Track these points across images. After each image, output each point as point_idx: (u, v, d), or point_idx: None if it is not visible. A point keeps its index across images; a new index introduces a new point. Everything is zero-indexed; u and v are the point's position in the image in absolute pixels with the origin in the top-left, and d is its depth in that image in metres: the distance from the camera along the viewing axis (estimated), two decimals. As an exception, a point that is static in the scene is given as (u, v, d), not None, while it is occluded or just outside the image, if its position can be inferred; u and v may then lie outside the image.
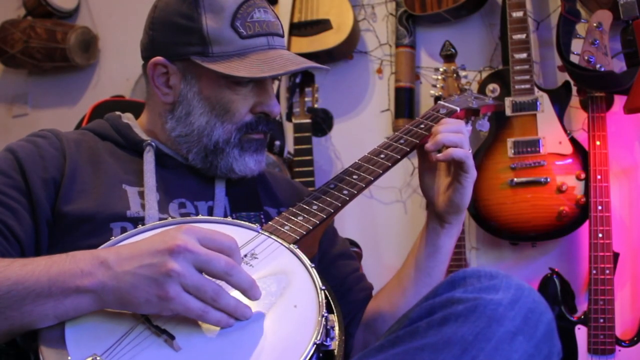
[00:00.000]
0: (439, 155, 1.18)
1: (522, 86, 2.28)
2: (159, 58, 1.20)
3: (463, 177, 1.18)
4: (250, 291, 0.90)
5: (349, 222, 2.67)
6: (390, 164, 1.20)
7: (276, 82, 2.66)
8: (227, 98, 1.19)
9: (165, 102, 1.23)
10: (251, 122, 1.21)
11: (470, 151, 1.18)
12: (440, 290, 0.93)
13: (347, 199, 1.14)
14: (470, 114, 1.38)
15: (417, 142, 1.23)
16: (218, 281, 0.89)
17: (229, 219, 1.15)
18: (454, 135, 1.18)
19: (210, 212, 1.22)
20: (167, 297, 0.85)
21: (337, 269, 1.32)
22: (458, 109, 1.32)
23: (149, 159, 1.21)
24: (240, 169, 1.23)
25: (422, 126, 1.25)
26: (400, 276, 1.26)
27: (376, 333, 1.21)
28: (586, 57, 2.12)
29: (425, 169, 1.25)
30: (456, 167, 1.18)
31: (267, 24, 1.19)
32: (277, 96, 2.68)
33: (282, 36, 1.23)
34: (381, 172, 1.19)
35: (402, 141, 1.23)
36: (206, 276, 0.88)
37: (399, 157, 1.21)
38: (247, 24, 1.16)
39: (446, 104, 1.34)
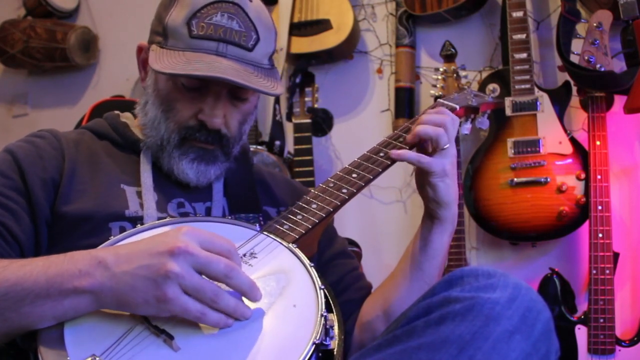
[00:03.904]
0: (407, 136, 1.17)
1: (522, 86, 2.28)
2: (144, 42, 1.24)
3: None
4: (250, 293, 0.90)
5: (349, 222, 2.67)
6: (389, 163, 1.19)
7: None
8: (174, 96, 1.18)
9: (144, 86, 1.25)
10: (192, 127, 1.18)
11: (445, 133, 1.14)
12: (438, 290, 0.93)
13: (347, 197, 1.14)
14: (470, 112, 1.38)
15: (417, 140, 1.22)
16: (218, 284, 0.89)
17: (228, 218, 1.15)
18: (429, 126, 1.16)
19: (208, 213, 1.22)
20: (165, 298, 0.85)
21: (335, 267, 1.31)
22: (457, 106, 1.31)
23: (145, 159, 1.21)
24: (179, 173, 1.20)
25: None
26: (394, 273, 1.25)
27: (371, 331, 1.20)
28: (586, 57, 2.12)
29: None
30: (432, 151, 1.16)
31: (224, 30, 1.13)
32: (277, 96, 2.68)
33: (247, 49, 1.15)
34: (380, 170, 1.18)
35: (401, 139, 1.23)
36: (206, 278, 0.88)
37: (399, 155, 1.20)
38: (201, 24, 1.13)
39: (445, 102, 1.33)
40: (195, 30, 1.13)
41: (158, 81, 1.20)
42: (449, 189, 1.16)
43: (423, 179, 1.17)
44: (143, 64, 1.25)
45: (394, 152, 1.16)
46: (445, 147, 1.14)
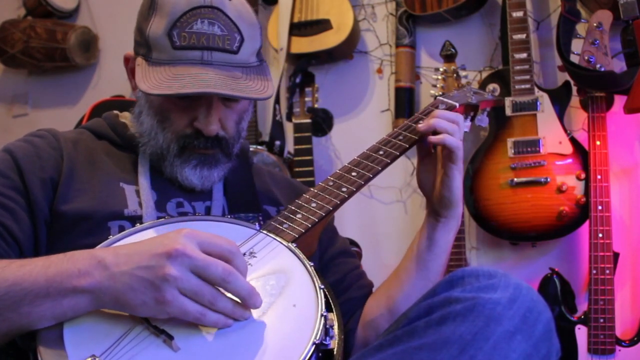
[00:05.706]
0: (432, 137, 1.17)
1: (522, 86, 2.28)
2: (130, 52, 1.23)
3: (449, 168, 1.16)
4: (250, 299, 0.89)
5: (349, 222, 2.66)
6: (389, 161, 1.19)
7: (276, 83, 2.65)
8: (167, 106, 1.17)
9: (136, 96, 1.24)
10: (190, 135, 1.17)
11: (462, 143, 1.17)
12: (439, 290, 0.93)
13: (346, 196, 1.13)
14: (469, 110, 1.38)
15: (416, 138, 1.22)
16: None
17: (228, 217, 1.15)
18: (448, 123, 1.18)
19: (207, 212, 1.22)
20: (164, 300, 0.85)
21: (337, 266, 1.31)
22: (457, 104, 1.31)
23: (143, 160, 1.22)
24: (183, 180, 1.20)
25: (420, 122, 1.25)
26: (398, 271, 1.25)
27: (375, 329, 1.20)
28: (586, 57, 2.12)
29: (423, 164, 1.25)
30: (445, 156, 1.17)
31: (207, 37, 1.11)
32: (277, 96, 2.68)
33: (233, 52, 1.13)
34: (380, 168, 1.18)
35: (400, 137, 1.23)
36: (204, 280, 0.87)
37: (398, 153, 1.20)
38: (183, 34, 1.10)
39: (445, 99, 1.33)
40: (177, 41, 1.11)
41: None
42: (460, 185, 1.18)
43: (442, 168, 1.17)
44: (132, 72, 1.22)
45: (433, 137, 1.16)
46: (455, 145, 1.15)
